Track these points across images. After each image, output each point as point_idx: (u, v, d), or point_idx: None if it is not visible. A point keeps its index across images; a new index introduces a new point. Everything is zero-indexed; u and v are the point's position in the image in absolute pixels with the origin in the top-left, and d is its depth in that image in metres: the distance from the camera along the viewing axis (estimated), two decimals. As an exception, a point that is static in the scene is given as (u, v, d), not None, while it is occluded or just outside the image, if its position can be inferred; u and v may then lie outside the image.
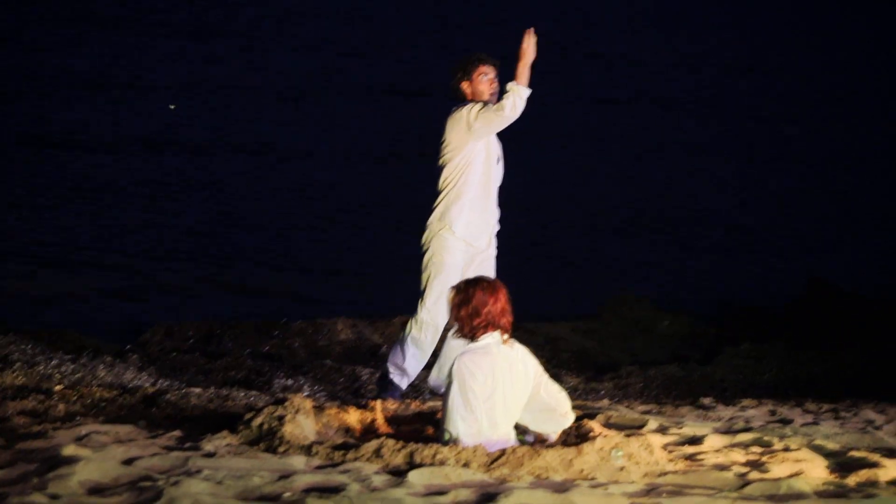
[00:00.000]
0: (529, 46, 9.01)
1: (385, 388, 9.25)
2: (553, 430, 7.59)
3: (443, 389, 7.71)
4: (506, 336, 7.42)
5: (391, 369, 9.28)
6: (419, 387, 10.04)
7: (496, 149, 9.28)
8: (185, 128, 24.60)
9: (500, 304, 7.42)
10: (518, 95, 8.93)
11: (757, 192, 25.49)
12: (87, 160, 20.96)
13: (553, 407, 7.52)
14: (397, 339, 9.44)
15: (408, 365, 9.25)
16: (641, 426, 8.50)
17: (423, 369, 9.45)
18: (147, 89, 27.99)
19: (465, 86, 9.17)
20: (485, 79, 9.15)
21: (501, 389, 7.31)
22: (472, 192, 9.15)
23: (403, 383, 9.28)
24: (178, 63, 31.75)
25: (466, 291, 7.44)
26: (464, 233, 9.17)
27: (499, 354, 7.36)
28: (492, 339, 7.38)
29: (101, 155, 21.26)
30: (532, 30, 9.06)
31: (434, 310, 9.14)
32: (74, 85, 27.33)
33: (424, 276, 9.23)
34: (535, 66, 8.97)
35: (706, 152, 29.61)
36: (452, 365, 7.34)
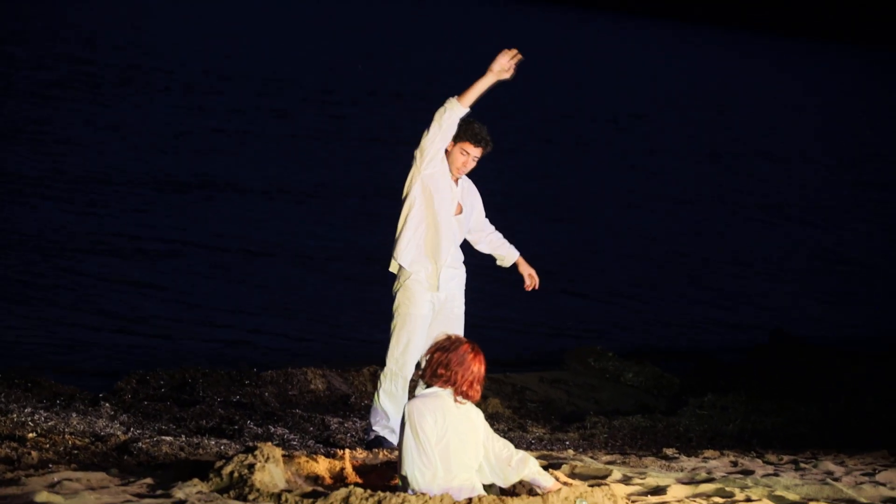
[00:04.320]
0: (497, 65, 8.93)
1: (379, 447, 9.13)
2: (513, 480, 7.63)
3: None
4: (459, 398, 7.42)
5: (379, 430, 9.27)
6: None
7: (450, 203, 9.19)
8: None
9: (472, 374, 7.40)
10: (446, 108, 8.94)
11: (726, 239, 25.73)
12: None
13: (505, 458, 7.55)
14: (372, 402, 9.42)
15: (393, 422, 9.23)
16: (606, 476, 8.63)
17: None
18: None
19: (448, 144, 9.13)
20: (462, 154, 9.11)
21: (454, 432, 7.36)
22: (419, 229, 9.12)
23: (395, 439, 9.23)
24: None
25: (455, 342, 7.42)
26: (411, 268, 9.09)
27: (449, 400, 7.40)
28: (443, 391, 7.41)
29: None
30: (515, 51, 8.95)
31: (402, 360, 9.16)
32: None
33: (392, 325, 9.24)
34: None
35: (691, 202, 29.87)
36: (404, 410, 7.43)
